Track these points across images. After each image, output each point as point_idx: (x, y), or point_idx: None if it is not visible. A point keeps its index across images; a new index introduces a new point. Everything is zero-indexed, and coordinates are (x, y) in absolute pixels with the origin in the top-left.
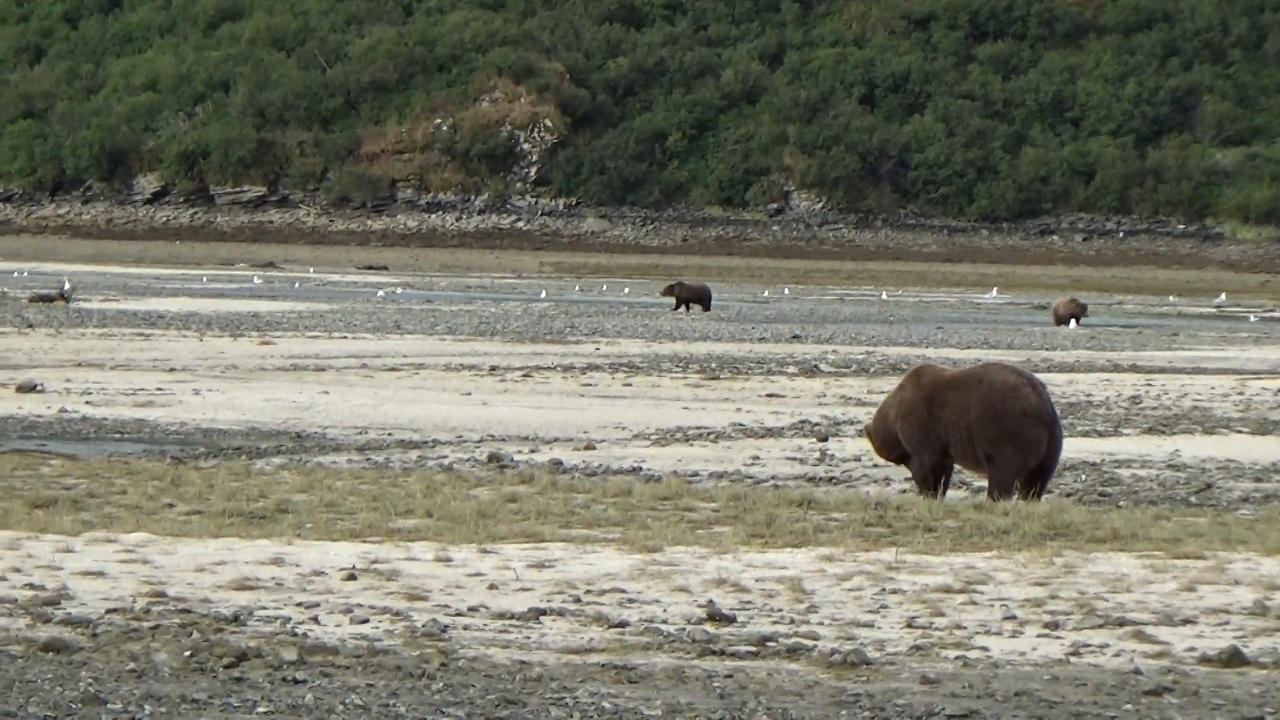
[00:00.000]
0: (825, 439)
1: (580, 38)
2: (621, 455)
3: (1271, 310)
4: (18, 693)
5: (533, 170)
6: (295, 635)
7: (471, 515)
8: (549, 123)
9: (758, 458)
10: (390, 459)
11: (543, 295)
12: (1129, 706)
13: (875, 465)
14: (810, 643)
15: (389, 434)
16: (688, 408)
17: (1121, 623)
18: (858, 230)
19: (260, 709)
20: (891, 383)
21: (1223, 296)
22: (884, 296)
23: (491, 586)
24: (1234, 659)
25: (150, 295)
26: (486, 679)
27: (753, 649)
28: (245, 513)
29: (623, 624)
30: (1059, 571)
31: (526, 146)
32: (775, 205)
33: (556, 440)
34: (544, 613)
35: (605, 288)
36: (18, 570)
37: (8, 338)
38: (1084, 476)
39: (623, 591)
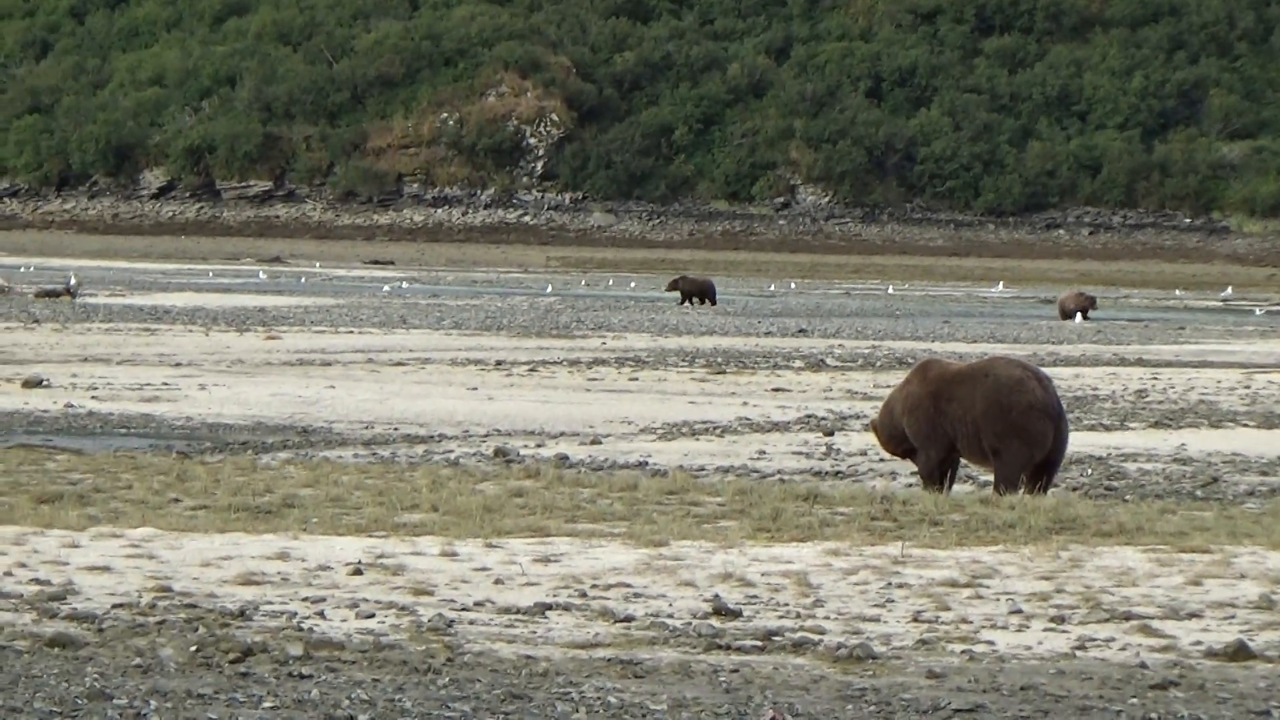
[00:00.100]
0: (831, 433)
1: (586, 32)
2: (627, 450)
3: (1278, 304)
4: (24, 688)
5: (539, 164)
6: (301, 630)
7: (477, 510)
8: (555, 117)
9: (764, 452)
10: (396, 454)
11: (549, 290)
12: (1135, 700)
13: (881, 459)
14: (816, 637)
15: (395, 429)
16: (694, 402)
17: (1127, 617)
18: (864, 224)
19: (266, 704)
20: (898, 377)
21: (1229, 290)
22: (890, 291)
23: (497, 581)
24: (1240, 653)
25: (156, 290)
26: (492, 673)
27: (759, 643)
28: (251, 507)
29: (628, 618)
30: (1065, 565)
31: (533, 141)
32: (782, 199)
33: (562, 435)
34: (550, 607)
35: (611, 282)
36: (23, 565)
37: (14, 333)
38: (1090, 470)
39: (628, 586)
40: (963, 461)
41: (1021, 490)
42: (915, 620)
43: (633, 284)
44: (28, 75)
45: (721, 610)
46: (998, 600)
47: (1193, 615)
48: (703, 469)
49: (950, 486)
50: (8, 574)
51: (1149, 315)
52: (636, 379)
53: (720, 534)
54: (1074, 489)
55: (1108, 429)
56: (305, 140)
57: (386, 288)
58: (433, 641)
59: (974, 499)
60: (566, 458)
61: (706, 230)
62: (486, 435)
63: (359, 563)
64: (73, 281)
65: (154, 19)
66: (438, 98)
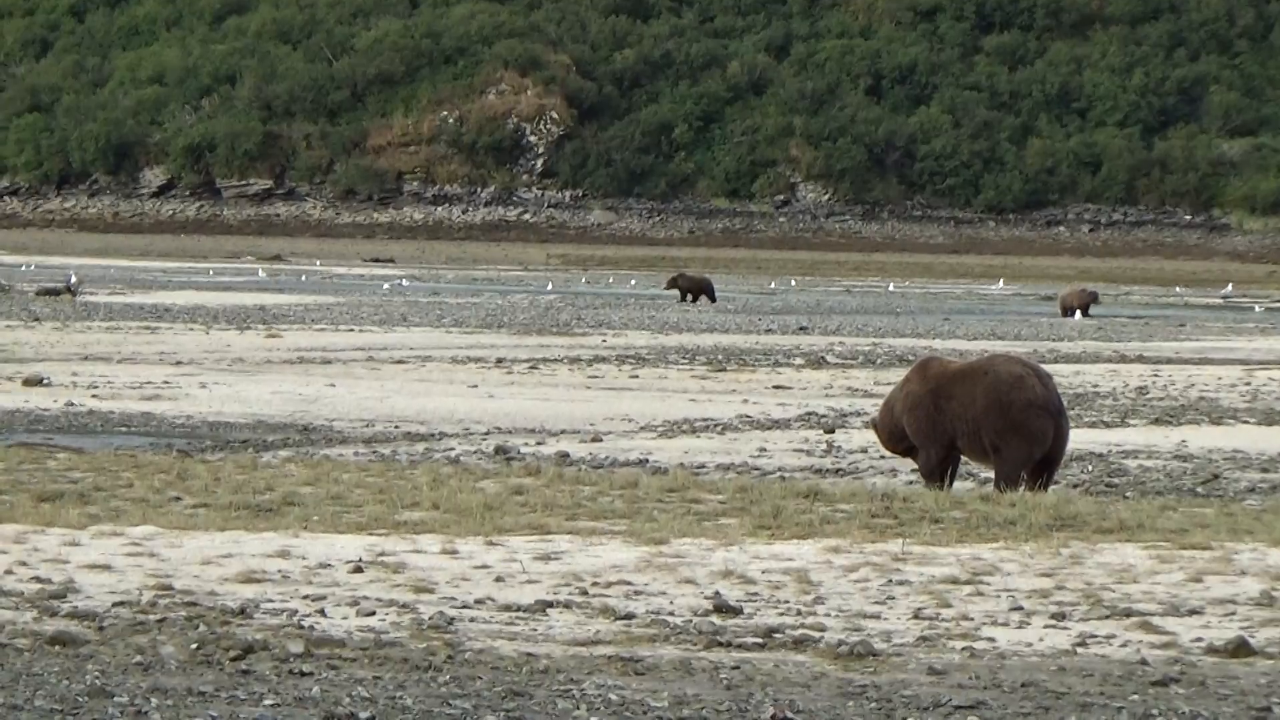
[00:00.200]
0: (832, 430)
1: (586, 30)
2: (628, 447)
3: (1278, 301)
4: (24, 686)
5: (539, 162)
6: (302, 628)
7: (478, 507)
8: (555, 115)
9: (764, 449)
10: (397, 451)
11: (549, 287)
12: (1136, 697)
13: (882, 457)
14: (817, 634)
15: (395, 426)
16: (694, 400)
17: (1128, 613)
18: (864, 222)
19: (267, 701)
20: (898, 374)
21: (1229, 287)
22: (890, 288)
23: (498, 579)
24: (1241, 649)
25: (157, 288)
26: (493, 671)
27: (759, 640)
28: (252, 505)
29: (629, 616)
30: (1065, 562)
31: (533, 139)
32: (782, 197)
33: (563, 432)
34: (550, 605)
35: (612, 280)
36: (24, 564)
37: (14, 331)
38: (1091, 467)
39: (629, 583)
40: (963, 459)
41: (1022, 487)
42: (916, 617)
43: (633, 281)
44: (28, 74)
45: (722, 607)
46: (998, 597)
47: (1193, 612)
48: (703, 466)
49: (951, 484)
50: (8, 572)
51: (1149, 312)
52: (637, 376)
53: (721, 531)
54: (1075, 486)
55: (1108, 426)
56: (305, 138)
57: (386, 286)
58: (433, 639)
59: (975, 496)
60: (567, 455)
61: (706, 228)
62: (487, 433)
63: (360, 560)
64: (73, 280)
65: (154, 17)
66: (438, 96)
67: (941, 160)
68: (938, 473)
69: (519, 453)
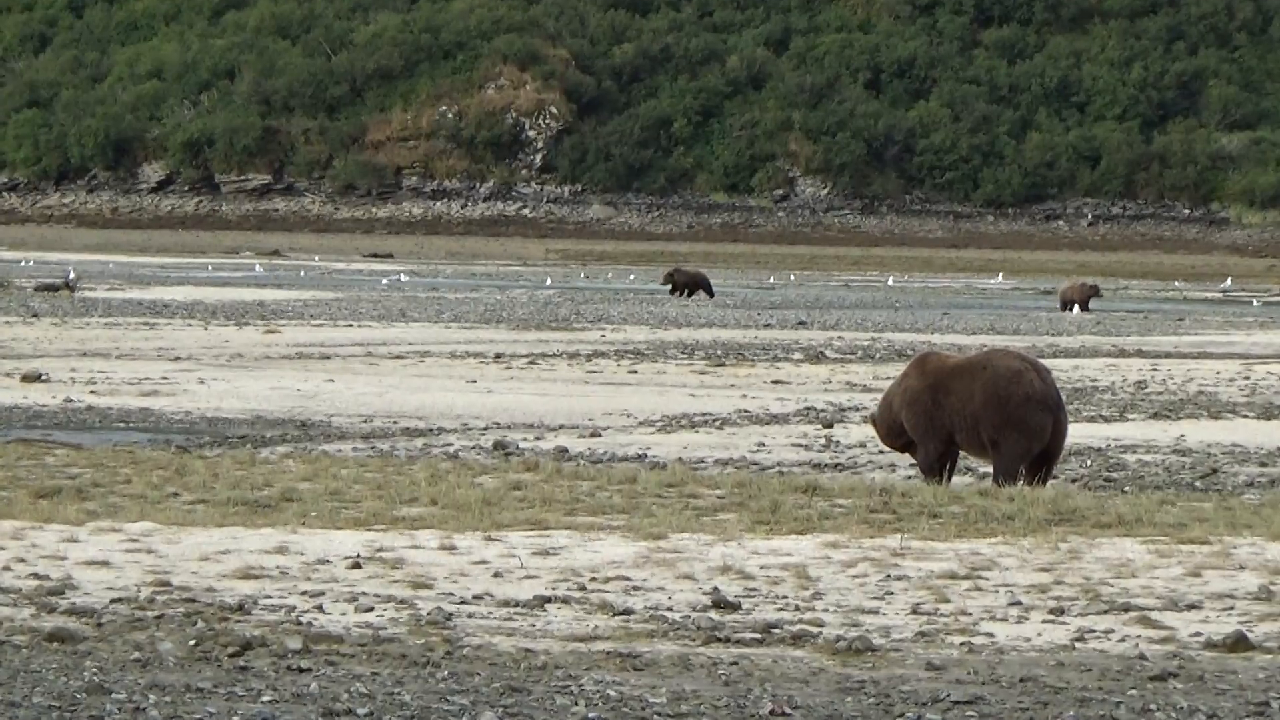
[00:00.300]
0: (831, 425)
1: (585, 24)
2: (627, 442)
3: (1277, 295)
4: (22, 682)
5: (538, 157)
6: (300, 624)
7: (476, 503)
8: (554, 109)
9: (763, 444)
10: (395, 447)
11: (548, 282)
12: (1134, 692)
13: (880, 451)
14: (815, 629)
15: (394, 422)
16: (693, 394)
17: (1127, 608)
18: (863, 216)
19: (265, 698)
20: (897, 369)
21: (1228, 281)
22: (890, 282)
23: (496, 574)
24: (1239, 644)
25: (155, 284)
26: (491, 667)
27: (758, 636)
28: (250, 501)
29: (628, 611)
30: (1064, 557)
31: (532, 133)
32: (780, 191)
33: (562, 427)
34: (549, 600)
35: (611, 275)
36: (22, 560)
37: (13, 327)
38: (1089, 462)
39: (628, 579)
40: (962, 454)
41: (1020, 482)
42: (914, 612)
43: (632, 276)
44: (26, 69)
45: (721, 603)
46: (997, 592)
47: (1192, 606)
48: (702, 461)
49: (949, 479)
50: (6, 569)
51: (1148, 306)
52: (636, 371)
53: (719, 527)
54: (1073, 480)
55: (1107, 420)
56: (304, 133)
57: (385, 281)
58: (432, 635)
59: (973, 491)
60: (566, 450)
61: (705, 222)
62: (486, 428)
63: (358, 556)
64: (72, 276)
65: (152, 12)
66: (436, 90)
67: (940, 154)
68: (936, 468)
69: (518, 448)
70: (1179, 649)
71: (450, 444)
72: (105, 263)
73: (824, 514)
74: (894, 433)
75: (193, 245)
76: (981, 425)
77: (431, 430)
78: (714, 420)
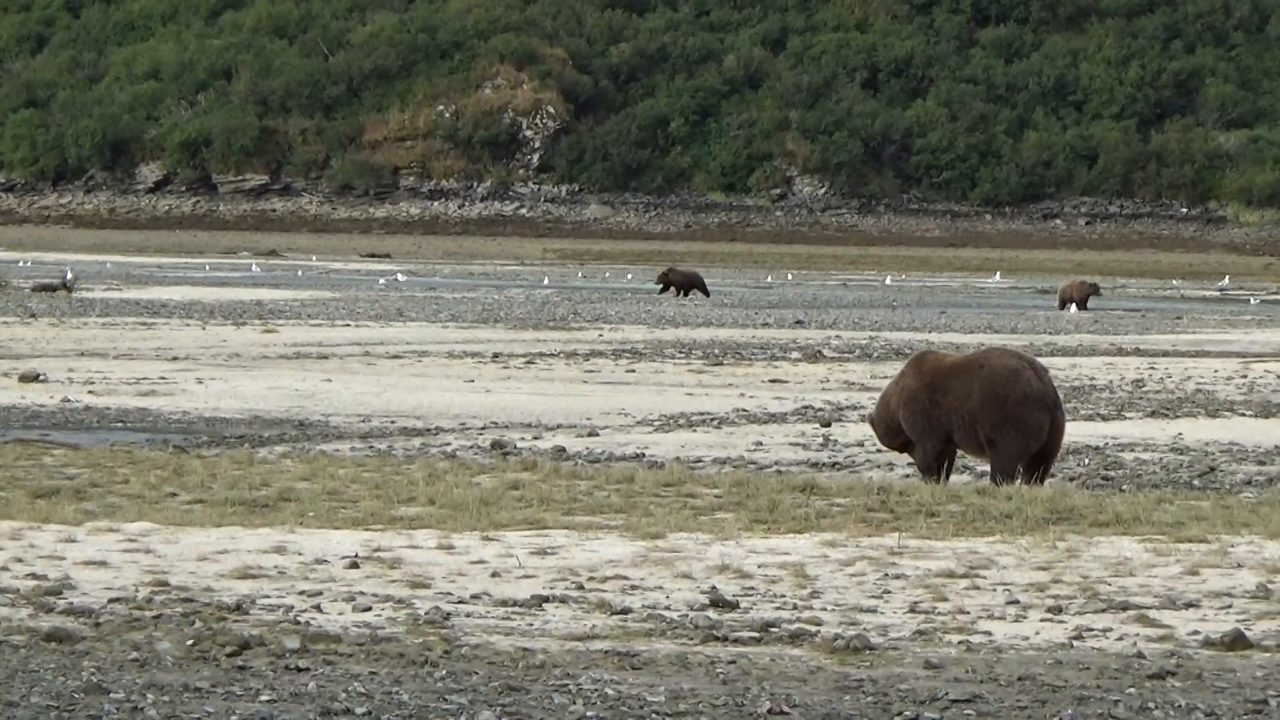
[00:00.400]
0: (828, 424)
1: (582, 24)
2: (624, 442)
3: (1275, 293)
4: (20, 683)
5: (535, 157)
6: (298, 624)
7: (474, 503)
8: (551, 109)
9: (761, 443)
10: (393, 446)
11: (546, 282)
12: (1132, 690)
13: (878, 450)
14: (813, 628)
15: (392, 421)
16: (691, 393)
17: (1124, 607)
18: (860, 215)
19: (263, 697)
20: (895, 368)
21: (1226, 280)
22: (887, 281)
23: (494, 574)
24: (1237, 642)
25: (153, 284)
26: (489, 666)
27: (756, 635)
28: (248, 501)
29: (626, 611)
30: (1062, 556)
31: (529, 133)
32: (778, 191)
33: (559, 427)
34: (547, 600)
35: (608, 274)
36: (20, 560)
37: (11, 327)
38: (1087, 460)
39: (625, 578)
40: (960, 453)
41: (1018, 481)
42: (912, 611)
43: (629, 276)
44: (23, 69)
45: (719, 602)
46: (995, 591)
47: (1190, 605)
48: (700, 461)
49: (947, 478)
50: (4, 569)
51: (1146, 305)
52: (634, 371)
53: (717, 526)
54: (1071, 479)
55: (1105, 419)
56: (301, 133)
57: (382, 281)
58: (430, 634)
59: (971, 490)
60: (564, 450)
61: (703, 222)
62: (484, 428)
63: (356, 556)
64: (69, 276)
65: (149, 13)
66: (434, 90)
67: (938, 153)
68: (934, 467)
69: (515, 447)
70: (1177, 647)
71: (448, 444)
72: (103, 263)
73: (822, 513)
74: (891, 432)
75: (190, 245)
76: (979, 424)
77: (429, 430)
78: (712, 419)
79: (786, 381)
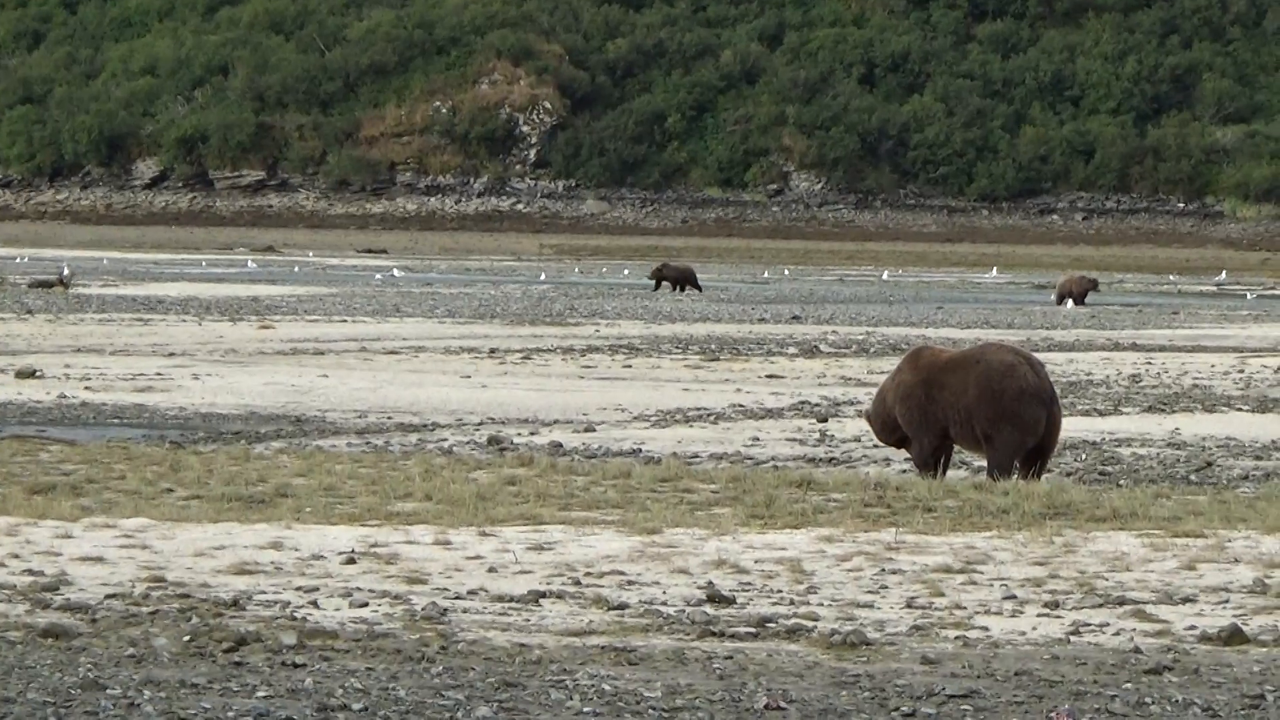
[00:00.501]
0: (825, 420)
1: (579, 19)
2: (621, 437)
3: (1271, 288)
4: (17, 678)
5: (532, 152)
6: (295, 619)
7: (471, 498)
8: (548, 105)
9: (757, 439)
10: (390, 442)
11: (542, 277)
12: (1129, 685)
13: (875, 446)
14: (810, 623)
15: (388, 417)
16: (687, 389)
17: (1122, 601)
18: (857, 211)
19: (260, 693)
20: (891, 363)
21: (1223, 274)
22: (884, 277)
23: (491, 569)
24: (1234, 637)
25: (149, 280)
26: (486, 662)
27: (753, 630)
28: (244, 497)
29: (622, 606)
30: (1059, 551)
31: (526, 129)
32: (775, 186)
33: (556, 422)
34: (543, 595)
35: (605, 270)
36: (16, 556)
37: (7, 323)
38: (1084, 455)
39: (622, 574)
40: (956, 448)
41: (1015, 476)
42: (909, 606)
43: (626, 271)
44: (20, 66)
45: (715, 597)
46: (992, 586)
47: (1187, 600)
48: (696, 456)
49: (944, 473)
50: (1, 565)
51: (1143, 300)
52: (630, 366)
53: (714, 521)
54: (1068, 474)
55: (1102, 414)
56: (298, 129)
57: (379, 276)
58: (426, 630)
59: (968, 485)
60: (560, 445)
61: (699, 217)
62: (480, 423)
63: (352, 552)
64: (66, 272)
65: (146, 8)
66: (430, 86)
67: (935, 149)
68: (930, 462)
69: (512, 443)
70: (1174, 642)
71: (445, 439)
72: (99, 259)
73: (819, 508)
74: (888, 427)
75: (187, 241)
76: (975, 419)
77: (426, 425)
78: (708, 415)
79: (783, 377)
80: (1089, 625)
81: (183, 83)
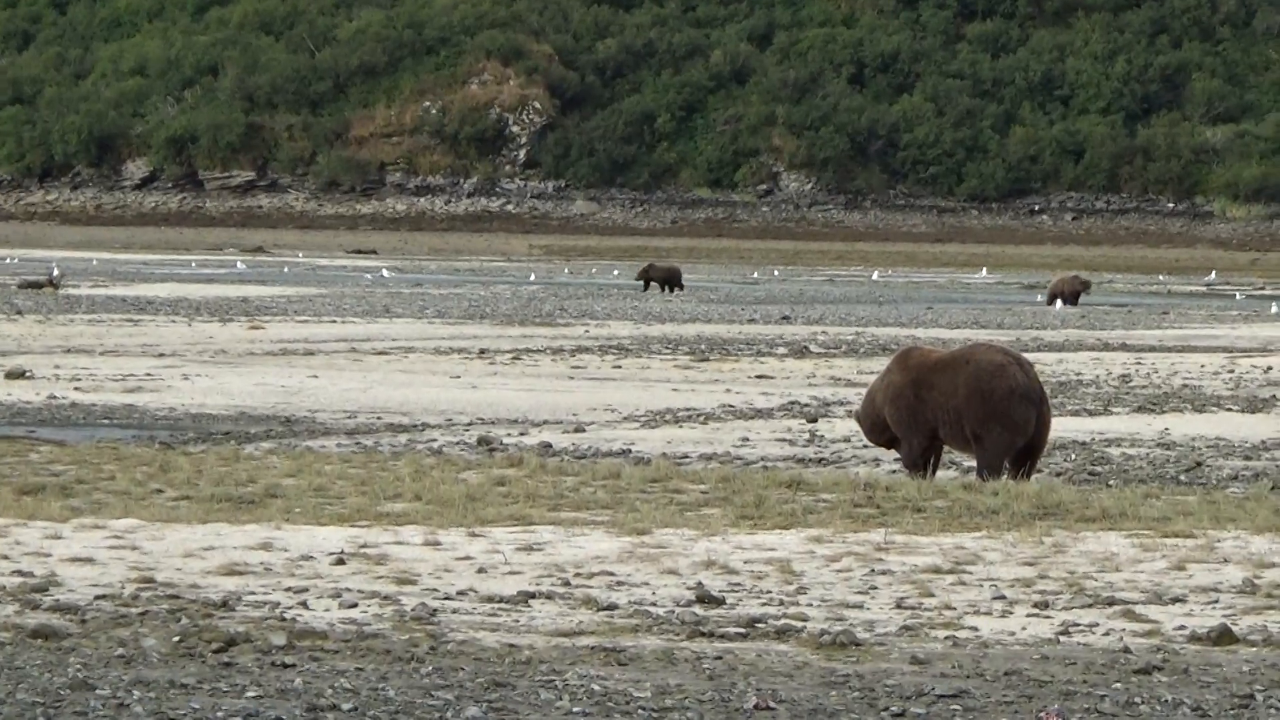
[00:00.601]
0: (815, 420)
1: (569, 19)
2: (611, 437)
3: (1261, 288)
4: (6, 679)
5: (522, 153)
6: (284, 620)
7: (460, 499)
8: (538, 105)
9: (747, 439)
10: (379, 443)
11: (532, 278)
12: (1119, 685)
13: (864, 446)
14: (799, 624)
15: (378, 418)
16: (677, 389)
17: (1111, 602)
18: (847, 211)
19: (249, 693)
20: (881, 363)
21: (1213, 274)
22: (874, 277)
23: (480, 570)
24: (1224, 637)
25: (139, 281)
26: (475, 662)
27: (742, 630)
28: (234, 498)
29: (612, 606)
30: (1048, 551)
31: (515, 129)
32: (764, 186)
33: (546, 423)
34: (533, 596)
35: (595, 270)
36: (6, 557)
37: None
38: (1074, 455)
39: (612, 574)
40: (946, 448)
41: (1005, 476)
42: (899, 606)
43: (616, 272)
44: (9, 66)
45: (705, 598)
46: (981, 586)
47: (1176, 600)
48: (686, 456)
49: (933, 473)
50: None
51: (1133, 300)
52: (620, 367)
53: (703, 521)
54: (1057, 474)
55: (1091, 414)
56: (288, 130)
57: (369, 277)
58: (416, 630)
59: (957, 485)
60: (550, 446)
61: (689, 218)
62: (470, 424)
63: (342, 552)
64: (55, 273)
65: (135, 9)
66: (420, 86)
67: (924, 149)
68: (920, 462)
69: (502, 443)
70: (1163, 642)
71: (434, 440)
72: (89, 259)
73: (808, 509)
74: (878, 428)
75: (176, 242)
76: (965, 420)
77: (415, 426)
78: (698, 415)
79: (773, 377)
80: (1078, 625)
81: (172, 83)
